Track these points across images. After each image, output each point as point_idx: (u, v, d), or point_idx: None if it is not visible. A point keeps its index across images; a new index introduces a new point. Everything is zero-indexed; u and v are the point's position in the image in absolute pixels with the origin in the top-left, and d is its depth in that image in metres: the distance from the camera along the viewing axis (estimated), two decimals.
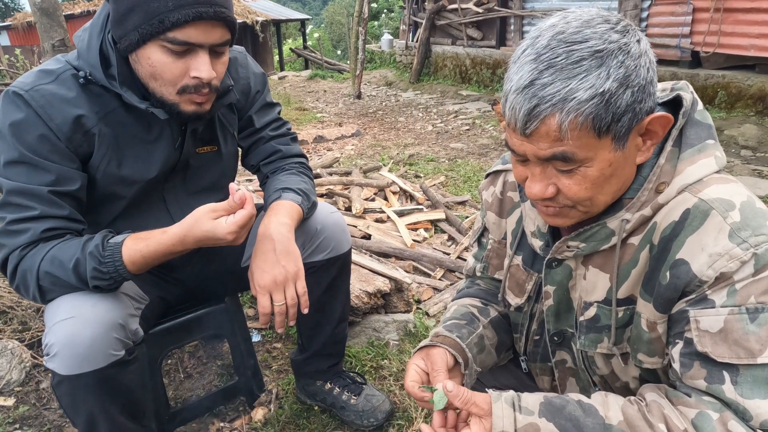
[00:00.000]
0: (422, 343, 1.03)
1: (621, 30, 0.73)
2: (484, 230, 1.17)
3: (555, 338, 1.01)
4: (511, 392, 0.84)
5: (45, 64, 1.18)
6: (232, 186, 1.11)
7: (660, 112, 0.77)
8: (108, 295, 1.16)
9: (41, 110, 1.09)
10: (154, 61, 1.09)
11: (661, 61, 6.42)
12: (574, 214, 0.83)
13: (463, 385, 1.02)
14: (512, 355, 1.20)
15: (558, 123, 0.71)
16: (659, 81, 0.82)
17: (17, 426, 1.74)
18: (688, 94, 0.84)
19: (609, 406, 0.79)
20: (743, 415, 0.71)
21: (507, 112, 0.76)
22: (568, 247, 0.91)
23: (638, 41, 0.74)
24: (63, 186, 1.13)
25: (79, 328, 1.09)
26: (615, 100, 0.71)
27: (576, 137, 0.72)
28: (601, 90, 0.70)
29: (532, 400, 0.82)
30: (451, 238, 3.17)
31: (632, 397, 0.82)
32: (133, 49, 1.10)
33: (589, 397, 0.83)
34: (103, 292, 1.14)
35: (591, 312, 0.92)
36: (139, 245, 1.10)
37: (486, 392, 0.84)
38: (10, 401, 1.85)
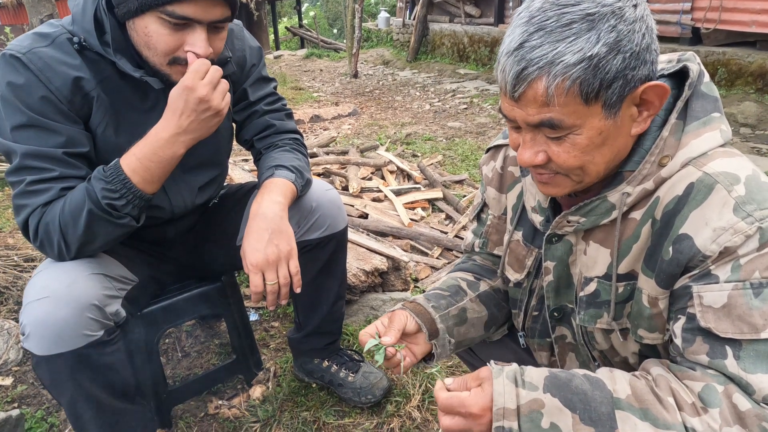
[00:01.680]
0: (395, 307, 1.05)
1: None
2: (484, 206, 1.16)
3: (555, 314, 1.01)
4: (514, 366, 0.81)
5: (39, 28, 1.15)
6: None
7: (655, 81, 0.74)
8: (84, 276, 1.15)
9: (40, 73, 1.07)
10: (151, 31, 1.07)
11: (661, 38, 6.32)
12: (566, 183, 0.82)
13: (432, 354, 1.03)
14: (507, 331, 1.19)
15: (545, 87, 0.70)
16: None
17: (16, 405, 1.75)
18: (695, 65, 0.82)
19: (616, 380, 0.78)
20: (746, 389, 0.71)
21: (498, 75, 0.75)
22: (568, 221, 0.89)
23: (634, 6, 0.72)
24: (75, 147, 1.13)
25: (52, 308, 1.08)
26: (604, 65, 0.69)
27: (563, 103, 0.71)
28: (590, 54, 0.68)
29: (537, 374, 0.79)
30: (448, 217, 3.16)
31: (637, 372, 0.81)
32: (131, 17, 1.07)
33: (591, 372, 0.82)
34: (128, 222, 1.13)
35: (591, 287, 0.91)
36: (133, 151, 1.11)
37: (487, 365, 0.82)
38: (7, 381, 1.85)
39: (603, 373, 0.80)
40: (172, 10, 1.03)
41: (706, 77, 0.82)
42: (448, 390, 0.82)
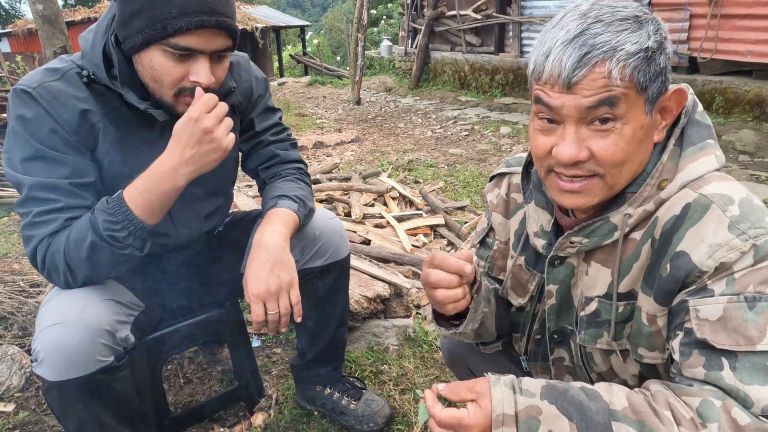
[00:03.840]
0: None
1: (647, 11, 0.80)
2: (490, 230, 1.18)
3: (555, 336, 1.03)
4: (511, 376, 0.81)
5: (50, 63, 1.19)
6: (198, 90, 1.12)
7: (679, 86, 0.81)
8: (96, 302, 1.17)
9: (49, 106, 1.11)
10: (156, 64, 1.11)
11: None
12: (598, 189, 0.83)
13: (468, 311, 0.99)
14: (500, 347, 1.20)
15: (608, 70, 0.75)
16: None
17: (18, 431, 1.74)
18: (689, 95, 0.87)
19: (613, 392, 0.78)
20: (744, 402, 0.71)
21: (547, 68, 0.78)
22: (571, 243, 0.92)
23: (662, 23, 0.80)
24: (81, 178, 1.15)
25: (65, 334, 1.10)
26: (655, 59, 0.76)
27: (623, 86, 0.76)
28: (645, 46, 0.75)
29: (534, 383, 0.80)
30: (450, 243, 3.18)
31: (636, 388, 0.81)
32: (136, 51, 1.12)
33: None
34: (130, 252, 1.14)
35: (592, 307, 0.93)
36: (135, 183, 1.13)
37: (485, 375, 0.82)
38: (9, 407, 1.85)
39: (600, 386, 0.81)
40: (175, 42, 1.08)
41: (700, 107, 0.88)
42: (440, 394, 0.81)
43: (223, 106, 1.12)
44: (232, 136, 1.15)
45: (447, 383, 0.83)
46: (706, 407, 0.73)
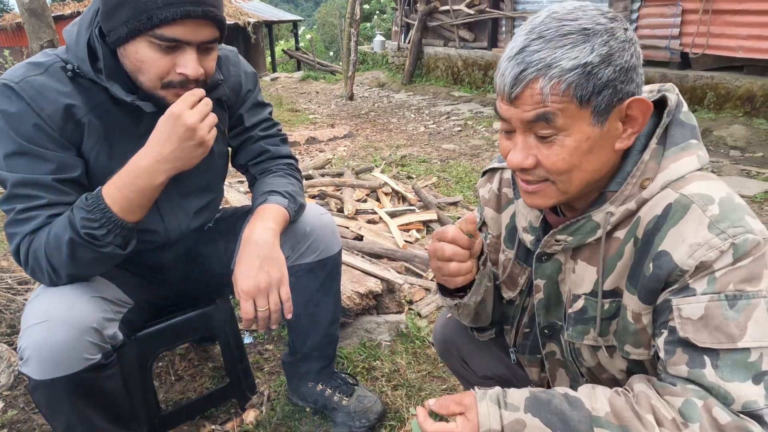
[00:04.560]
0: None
1: (610, 17, 0.78)
2: (483, 225, 1.19)
3: (545, 331, 1.04)
4: (497, 389, 0.85)
5: (33, 58, 1.17)
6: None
7: (640, 96, 0.79)
8: (83, 299, 1.15)
9: (32, 101, 1.09)
10: (142, 56, 1.09)
11: (650, 62, 6.47)
12: (551, 193, 0.85)
13: (471, 286, 1.01)
14: (494, 335, 1.22)
15: (540, 87, 0.75)
16: (648, 83, 0.85)
17: (6, 430, 1.73)
18: (674, 95, 0.87)
19: (596, 397, 0.81)
20: (725, 399, 0.73)
21: (497, 80, 0.80)
22: (556, 240, 0.93)
23: (625, 29, 0.78)
24: (65, 173, 1.13)
25: (51, 332, 1.09)
26: (596, 73, 0.75)
27: (558, 101, 0.76)
28: (584, 62, 0.74)
29: (518, 395, 0.83)
30: None
31: (620, 389, 0.83)
32: (121, 43, 1.10)
33: (576, 389, 0.85)
34: (111, 251, 1.12)
35: (579, 304, 0.95)
36: (114, 179, 1.10)
37: (471, 391, 0.86)
38: None
39: (583, 392, 0.83)
40: (161, 33, 1.05)
41: (684, 107, 0.87)
42: (431, 410, 0.85)
43: (207, 104, 1.10)
44: (213, 132, 1.13)
45: (437, 399, 0.86)
46: (688, 407, 0.74)
